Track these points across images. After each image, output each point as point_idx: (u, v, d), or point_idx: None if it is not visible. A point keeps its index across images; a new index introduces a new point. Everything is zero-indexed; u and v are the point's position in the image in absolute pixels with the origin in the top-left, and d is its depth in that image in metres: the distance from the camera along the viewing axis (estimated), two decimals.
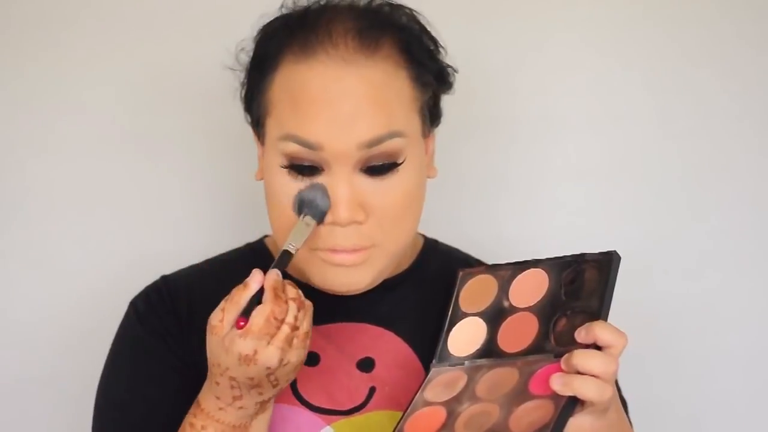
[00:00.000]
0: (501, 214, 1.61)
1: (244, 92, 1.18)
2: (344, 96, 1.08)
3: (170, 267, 1.26)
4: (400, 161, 1.11)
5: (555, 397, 1.01)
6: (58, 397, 1.57)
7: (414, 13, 1.16)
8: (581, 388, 1.00)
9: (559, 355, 1.05)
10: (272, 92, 1.12)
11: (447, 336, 1.13)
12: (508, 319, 1.12)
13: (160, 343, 1.18)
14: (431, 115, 1.17)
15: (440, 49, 1.17)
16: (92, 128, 1.57)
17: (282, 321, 1.03)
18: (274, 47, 1.13)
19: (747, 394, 1.63)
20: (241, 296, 1.04)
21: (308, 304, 1.06)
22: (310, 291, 1.19)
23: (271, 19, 1.16)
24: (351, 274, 1.13)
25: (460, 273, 1.17)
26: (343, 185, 1.09)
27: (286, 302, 1.04)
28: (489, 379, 1.08)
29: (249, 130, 1.20)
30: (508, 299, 1.13)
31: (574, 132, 1.60)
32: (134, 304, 1.22)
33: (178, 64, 1.55)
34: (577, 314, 1.08)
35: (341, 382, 1.17)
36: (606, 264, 1.10)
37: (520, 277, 1.14)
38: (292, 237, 1.08)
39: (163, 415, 1.14)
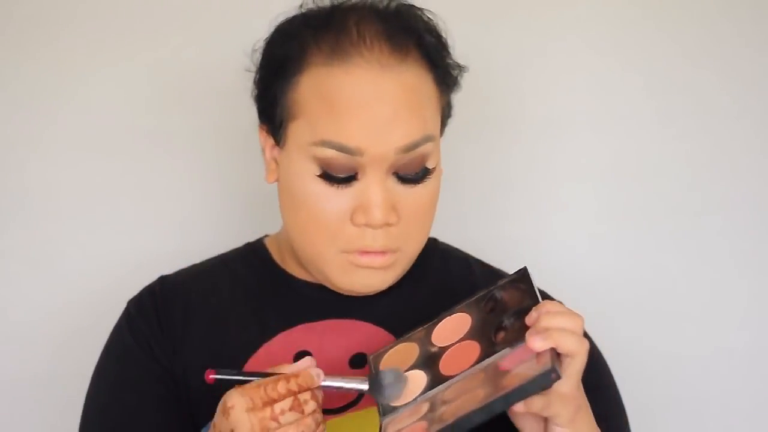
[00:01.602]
0: (504, 215, 1.61)
1: (257, 93, 1.17)
2: (382, 101, 1.08)
3: (171, 267, 1.26)
4: (432, 167, 1.12)
5: (536, 354, 1.01)
6: (57, 397, 1.57)
7: (426, 13, 1.16)
8: (560, 338, 1.00)
9: (516, 344, 1.04)
10: (299, 95, 1.11)
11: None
12: (445, 354, 1.10)
13: (146, 351, 1.18)
14: (447, 116, 1.18)
15: (449, 49, 1.17)
16: (93, 128, 1.57)
17: (271, 402, 1.01)
18: (297, 48, 1.11)
19: (747, 394, 1.63)
20: (285, 367, 1.04)
21: (308, 422, 1.03)
22: (308, 287, 1.20)
23: (289, 18, 1.15)
24: (375, 276, 1.14)
25: (370, 357, 1.14)
26: (378, 188, 1.09)
27: (294, 393, 1.02)
28: (455, 389, 1.05)
29: (254, 130, 1.20)
30: (434, 346, 1.11)
31: (577, 132, 1.60)
32: (128, 307, 1.23)
33: (181, 62, 1.55)
34: (513, 318, 1.08)
35: None
36: (521, 278, 1.11)
37: (437, 329, 1.13)
38: (339, 380, 1.07)
39: (140, 422, 1.15)
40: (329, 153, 1.09)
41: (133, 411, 1.16)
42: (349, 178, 1.10)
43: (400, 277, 1.18)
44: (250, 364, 1.16)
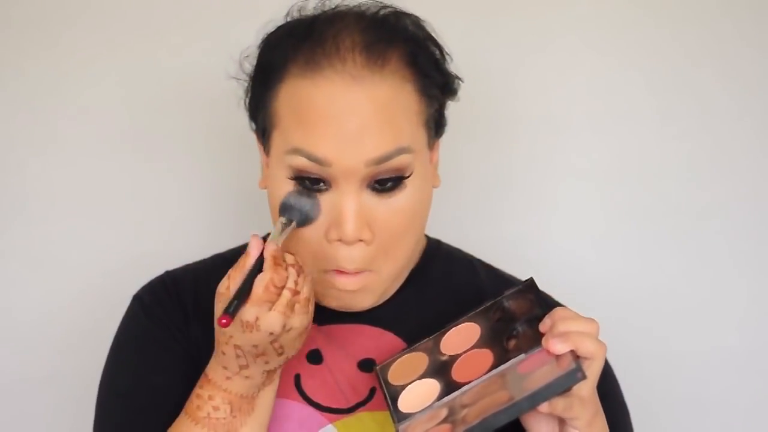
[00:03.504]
0: (503, 215, 1.61)
1: (248, 101, 1.17)
2: (351, 113, 1.08)
3: (170, 267, 1.26)
4: (407, 174, 1.10)
5: (555, 358, 1.01)
6: (58, 397, 1.58)
7: (420, 21, 1.15)
8: (579, 341, 1.02)
9: (530, 350, 1.04)
10: (278, 105, 1.11)
11: (395, 408, 1.10)
12: (457, 362, 1.10)
13: (166, 333, 1.17)
14: (436, 126, 1.16)
15: (446, 58, 1.16)
16: (93, 128, 1.57)
17: (282, 287, 1.04)
18: (279, 58, 1.11)
19: (747, 394, 1.63)
20: (245, 262, 1.05)
21: (307, 270, 1.07)
22: None
23: (276, 27, 1.15)
24: (354, 297, 1.14)
25: (377, 368, 1.15)
26: (351, 202, 1.09)
27: (286, 269, 1.05)
28: (474, 393, 1.06)
29: (250, 132, 1.20)
30: (444, 355, 1.12)
31: (576, 132, 1.60)
32: (139, 297, 1.22)
33: (180, 64, 1.55)
34: (524, 326, 1.08)
35: (343, 382, 1.17)
36: (527, 289, 1.12)
37: (445, 339, 1.13)
38: (280, 234, 1.08)
39: (169, 402, 1.14)
40: (300, 161, 1.08)
41: (162, 391, 1.15)
42: (322, 187, 1.09)
43: (386, 294, 1.18)
44: None
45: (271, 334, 1.03)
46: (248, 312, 1.02)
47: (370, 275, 1.12)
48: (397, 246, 1.13)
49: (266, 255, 1.04)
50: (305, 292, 1.05)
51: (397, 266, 1.15)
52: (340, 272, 1.12)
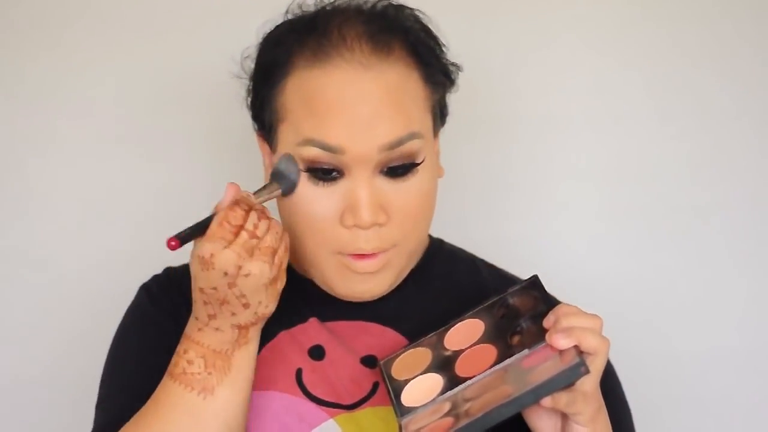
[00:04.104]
0: (503, 215, 1.61)
1: (250, 100, 1.18)
2: (362, 99, 1.09)
3: (170, 266, 1.26)
4: (419, 161, 1.12)
5: (559, 353, 1.01)
6: (58, 397, 1.58)
7: (416, 12, 1.17)
8: (583, 336, 1.02)
9: (534, 346, 1.05)
10: (285, 98, 1.12)
11: (399, 402, 1.10)
12: (460, 357, 1.10)
13: (170, 320, 1.17)
14: (440, 115, 1.18)
15: (443, 48, 1.17)
16: (93, 128, 1.57)
17: (240, 228, 1.04)
18: (283, 54, 1.12)
19: (746, 394, 1.63)
20: (217, 208, 1.06)
21: (276, 222, 1.07)
22: (315, 288, 1.20)
23: (276, 25, 1.16)
24: (371, 281, 1.14)
25: (381, 363, 1.15)
26: (364, 188, 1.10)
27: (248, 212, 1.05)
28: (477, 387, 1.06)
29: (250, 131, 1.20)
30: (448, 350, 1.12)
31: (577, 132, 1.60)
32: (146, 287, 1.23)
33: (180, 64, 1.56)
34: (528, 322, 1.08)
35: (346, 377, 1.17)
36: (532, 285, 1.12)
37: (449, 334, 1.14)
38: (262, 193, 1.10)
39: None
40: (313, 152, 1.09)
41: (162, 372, 1.13)
42: (335, 176, 1.10)
43: (399, 277, 1.18)
44: (268, 348, 1.17)
45: (226, 274, 1.03)
46: (203, 247, 1.03)
47: (387, 254, 1.13)
48: (412, 228, 1.14)
49: (228, 196, 1.06)
50: (269, 241, 1.05)
51: (415, 245, 1.16)
52: (359, 256, 1.12)
